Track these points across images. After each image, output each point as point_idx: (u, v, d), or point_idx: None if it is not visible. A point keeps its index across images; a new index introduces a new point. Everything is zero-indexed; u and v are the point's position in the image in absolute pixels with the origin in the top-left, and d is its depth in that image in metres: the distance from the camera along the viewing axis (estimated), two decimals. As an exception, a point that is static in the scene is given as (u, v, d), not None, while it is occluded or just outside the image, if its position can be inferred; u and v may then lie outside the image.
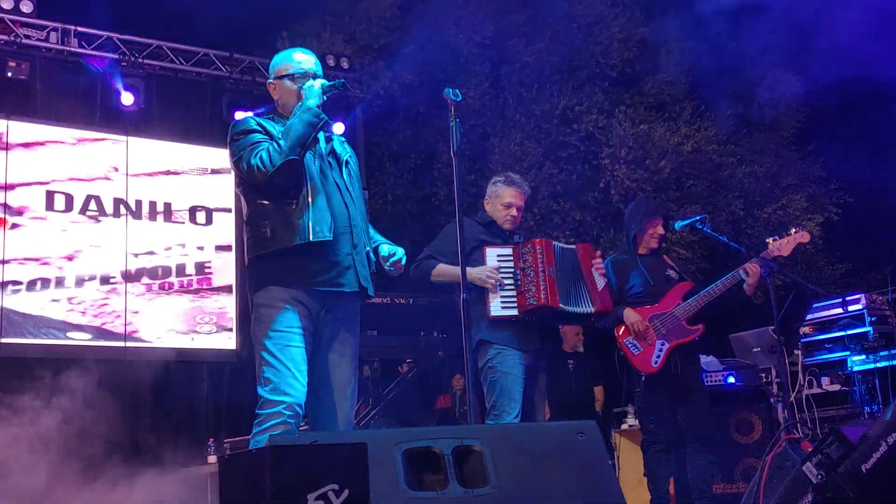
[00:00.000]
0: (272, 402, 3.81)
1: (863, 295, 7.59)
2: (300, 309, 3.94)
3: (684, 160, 11.42)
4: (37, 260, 8.59)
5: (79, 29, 9.04)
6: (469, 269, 5.04)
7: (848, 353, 7.32)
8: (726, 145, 11.89)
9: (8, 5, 8.58)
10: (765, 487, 3.65)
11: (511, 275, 5.16)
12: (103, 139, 9.14)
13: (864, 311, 7.43)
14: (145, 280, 9.02)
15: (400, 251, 4.32)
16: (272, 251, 3.97)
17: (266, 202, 4.00)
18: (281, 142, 3.91)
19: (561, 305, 5.13)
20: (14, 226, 8.54)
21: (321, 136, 4.15)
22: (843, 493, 3.01)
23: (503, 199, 5.43)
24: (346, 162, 4.26)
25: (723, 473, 6.66)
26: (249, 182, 4.00)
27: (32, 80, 8.81)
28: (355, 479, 2.22)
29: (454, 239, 5.29)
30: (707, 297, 5.83)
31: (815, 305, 7.73)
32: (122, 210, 9.06)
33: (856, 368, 7.18)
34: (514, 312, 5.12)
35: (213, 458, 7.56)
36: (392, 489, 2.60)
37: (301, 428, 4.06)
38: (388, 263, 4.27)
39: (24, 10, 8.67)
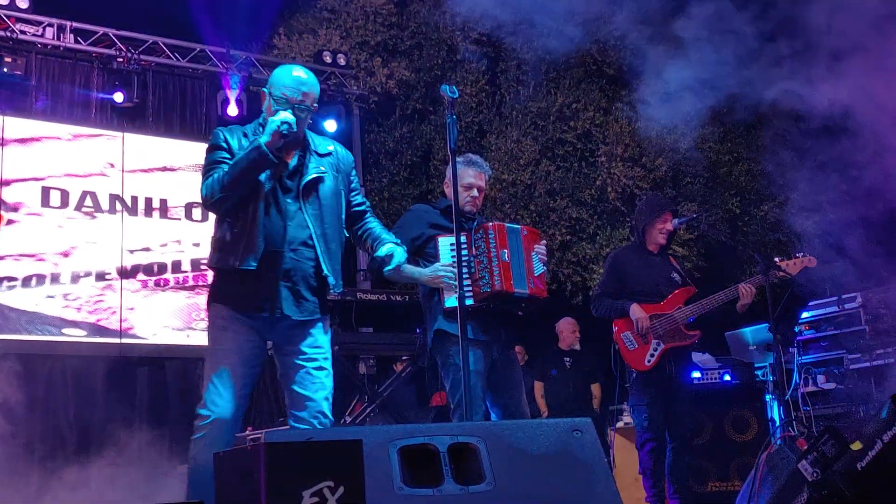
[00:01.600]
0: (199, 417, 4.01)
1: (859, 293, 7.61)
2: (242, 327, 4.09)
3: (681, 158, 11.43)
4: (32, 256, 8.58)
5: (75, 24, 9.03)
6: (422, 271, 5.02)
7: (844, 351, 7.34)
8: (723, 143, 11.89)
9: (4, 0, 8.56)
10: (760, 485, 3.66)
11: (466, 263, 4.96)
12: (99, 135, 9.12)
13: (860, 309, 7.45)
14: (141, 276, 9.01)
15: (395, 251, 4.41)
16: (216, 268, 4.18)
17: (221, 218, 4.18)
18: (225, 175, 4.03)
19: (516, 290, 5.00)
20: (9, 222, 8.52)
21: (296, 153, 4.19)
22: (839, 490, 3.02)
23: (463, 179, 5.20)
24: (317, 179, 4.23)
25: (718, 471, 6.68)
26: None
27: (28, 75, 8.80)
28: (350, 476, 2.22)
29: (410, 227, 5.19)
30: (708, 304, 5.91)
31: (811, 303, 7.76)
32: (118, 206, 9.05)
33: (852, 367, 7.20)
34: (470, 302, 4.88)
35: (208, 455, 7.57)
36: (387, 486, 2.60)
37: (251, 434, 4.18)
38: (386, 270, 4.40)
39: (21, 6, 8.66)
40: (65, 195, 8.83)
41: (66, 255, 8.72)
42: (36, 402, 8.20)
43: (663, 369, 5.98)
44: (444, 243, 5.07)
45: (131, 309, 8.87)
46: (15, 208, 8.57)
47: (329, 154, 4.33)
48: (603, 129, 11.43)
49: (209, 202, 4.08)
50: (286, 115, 4.05)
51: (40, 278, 8.56)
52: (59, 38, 8.96)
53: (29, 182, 8.68)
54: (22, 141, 8.74)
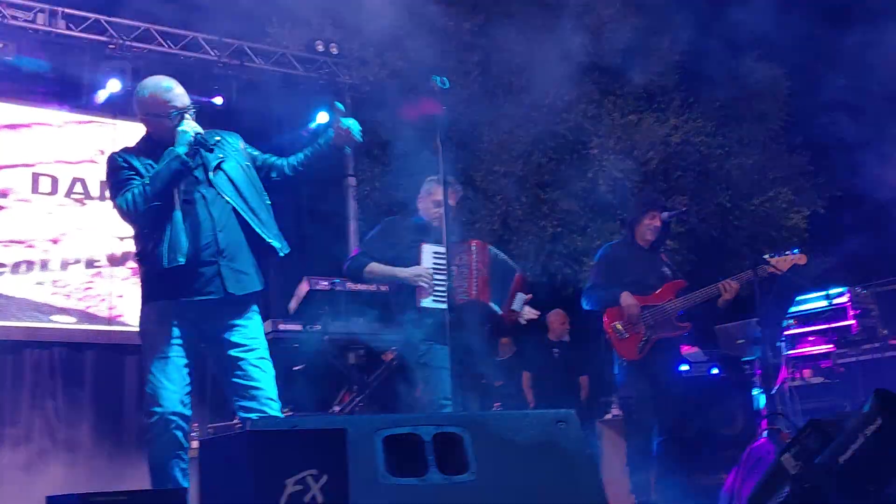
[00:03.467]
0: (149, 415, 4.14)
1: (847, 288, 7.64)
2: (178, 320, 4.19)
3: (672, 151, 11.45)
4: (21, 242, 8.57)
5: (66, 11, 8.97)
6: (402, 270, 5.31)
7: (831, 345, 7.37)
8: (714, 137, 11.91)
9: (-6, -15, 8.54)
10: (744, 478, 3.69)
11: (445, 271, 5.14)
12: (90, 122, 9.10)
13: (848, 304, 7.47)
14: (130, 264, 8.97)
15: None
16: (144, 272, 4.30)
17: (140, 231, 4.30)
18: (147, 186, 4.13)
19: (491, 304, 5.39)
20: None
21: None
22: (821, 484, 3.03)
23: (435, 196, 5.48)
24: (219, 163, 4.34)
25: (704, 464, 6.70)
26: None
27: (19, 61, 8.76)
28: (334, 465, 2.23)
29: (388, 235, 5.51)
30: (697, 297, 5.97)
31: (799, 298, 7.78)
32: (108, 193, 9.03)
33: (839, 361, 7.23)
34: (444, 306, 5.09)
35: (195, 444, 7.55)
36: (371, 475, 2.60)
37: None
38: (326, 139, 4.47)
39: (11, -8, 8.62)
40: (55, 182, 8.83)
41: (55, 241, 8.71)
42: (23, 389, 8.20)
43: (654, 359, 6.02)
44: (428, 250, 5.34)
45: (120, 296, 8.87)
46: (4, 194, 8.56)
47: (217, 143, 4.39)
48: (595, 122, 11.43)
49: (134, 213, 4.17)
50: (193, 126, 4.20)
51: (30, 265, 8.55)
52: (50, 24, 8.90)
53: (19, 168, 8.67)
54: (12, 127, 8.72)
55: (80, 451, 7.82)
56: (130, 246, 8.91)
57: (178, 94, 4.33)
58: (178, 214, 4.17)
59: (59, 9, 8.93)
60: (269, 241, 4.33)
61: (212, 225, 4.22)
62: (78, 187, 8.90)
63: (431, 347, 5.26)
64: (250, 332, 4.29)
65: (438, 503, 2.66)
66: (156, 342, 4.20)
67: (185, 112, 4.27)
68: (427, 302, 5.24)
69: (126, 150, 4.39)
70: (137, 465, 7.42)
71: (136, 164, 4.26)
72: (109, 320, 8.79)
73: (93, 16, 9.06)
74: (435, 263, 5.30)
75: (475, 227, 10.74)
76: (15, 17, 8.71)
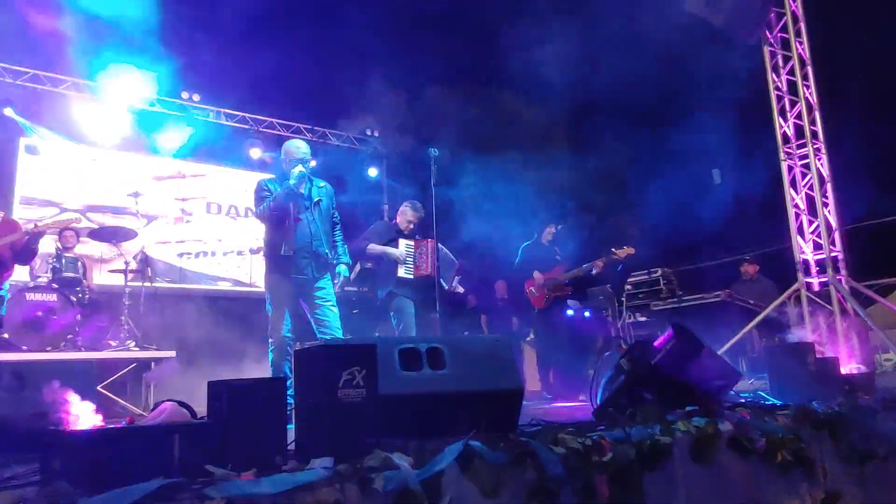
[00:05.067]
0: (273, 336, 4.13)
1: (659, 268, 7.67)
2: (285, 284, 4.18)
3: (563, 191, 11.40)
4: (200, 241, 8.54)
5: (225, 111, 8.89)
6: (390, 249, 5.22)
7: (650, 300, 7.39)
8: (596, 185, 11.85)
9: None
10: (601, 373, 3.68)
11: (412, 256, 5.19)
12: (238, 173, 9.05)
13: (660, 277, 7.50)
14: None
15: (341, 271, 4.44)
16: (267, 256, 4.26)
17: (266, 227, 4.29)
18: (272, 202, 4.16)
19: (442, 280, 5.27)
20: (187, 222, 8.47)
21: (305, 187, 4.28)
22: (641, 375, 3.05)
23: (407, 216, 5.45)
24: (318, 201, 4.31)
25: (581, 367, 6.71)
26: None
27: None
28: (370, 364, 2.22)
29: (380, 232, 5.42)
30: (577, 273, 5.99)
31: (633, 273, 7.80)
32: (249, 213, 8.97)
33: (654, 308, 7.26)
34: (411, 276, 5.13)
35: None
36: (391, 370, 2.60)
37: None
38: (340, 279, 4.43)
39: (184, 96, 8.53)
40: (219, 206, 8.78)
41: (219, 240, 8.67)
42: (202, 325, 8.17)
43: (552, 308, 6.04)
44: (402, 242, 5.30)
45: (258, 273, 8.84)
46: (189, 213, 8.51)
47: (323, 187, 4.41)
48: (520, 174, 11.38)
49: (262, 216, 4.20)
50: (300, 170, 4.21)
51: (204, 253, 8.52)
52: (216, 119, 8.82)
53: (199, 199, 8.63)
54: (195, 176, 8.67)
55: (234, 355, 7.75)
56: (262, 243, 8.87)
57: (303, 150, 4.33)
58: (292, 222, 4.17)
59: (222, 110, 8.86)
60: (325, 252, 4.31)
61: (310, 236, 4.21)
62: (232, 210, 8.86)
63: (403, 300, 5.19)
64: (327, 291, 4.29)
65: (428, 385, 2.66)
66: (275, 296, 4.18)
67: (301, 161, 4.26)
68: (402, 272, 5.16)
69: (266, 179, 4.37)
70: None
71: (271, 186, 4.26)
72: (250, 285, 8.75)
73: (240, 114, 9.00)
74: (406, 251, 5.22)
75: (453, 234, 10.70)
76: (198, 115, 8.64)
